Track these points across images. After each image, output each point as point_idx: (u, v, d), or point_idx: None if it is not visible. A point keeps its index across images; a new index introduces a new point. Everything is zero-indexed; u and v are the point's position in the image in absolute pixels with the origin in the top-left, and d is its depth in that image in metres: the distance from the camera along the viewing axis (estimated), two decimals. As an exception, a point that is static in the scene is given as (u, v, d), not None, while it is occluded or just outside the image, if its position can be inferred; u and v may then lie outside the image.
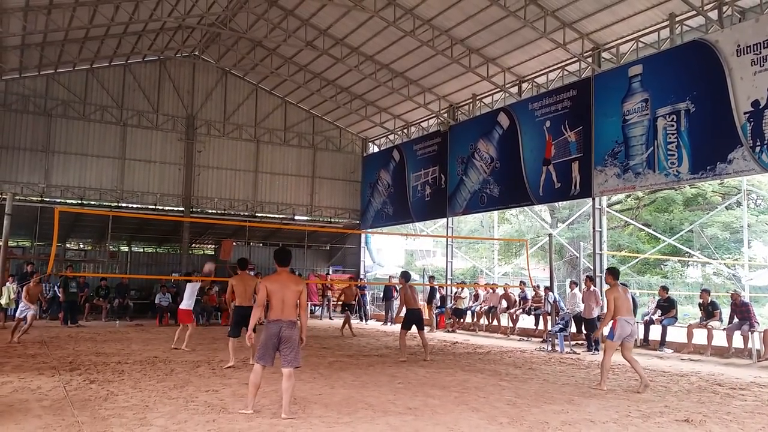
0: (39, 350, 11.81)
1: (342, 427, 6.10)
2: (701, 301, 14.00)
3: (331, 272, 26.53)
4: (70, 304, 17.95)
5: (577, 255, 19.05)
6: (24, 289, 14.19)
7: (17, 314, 13.88)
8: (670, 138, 14.12)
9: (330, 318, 23.51)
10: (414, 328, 11.76)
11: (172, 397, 7.38)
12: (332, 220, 26.81)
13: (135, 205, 23.12)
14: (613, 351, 8.90)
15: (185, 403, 7.05)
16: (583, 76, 16.87)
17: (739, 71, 12.70)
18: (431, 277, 21.38)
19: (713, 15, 13.73)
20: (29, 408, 6.67)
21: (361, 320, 22.31)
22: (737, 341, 12.82)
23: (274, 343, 6.45)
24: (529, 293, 17.68)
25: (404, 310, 12.14)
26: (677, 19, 14.52)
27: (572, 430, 6.18)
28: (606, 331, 9.29)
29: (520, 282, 18.88)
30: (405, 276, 12.25)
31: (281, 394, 6.59)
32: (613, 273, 9.23)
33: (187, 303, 12.67)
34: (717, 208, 24.19)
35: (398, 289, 20.79)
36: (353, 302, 19.30)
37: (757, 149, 12.32)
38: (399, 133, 25.27)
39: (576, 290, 14.84)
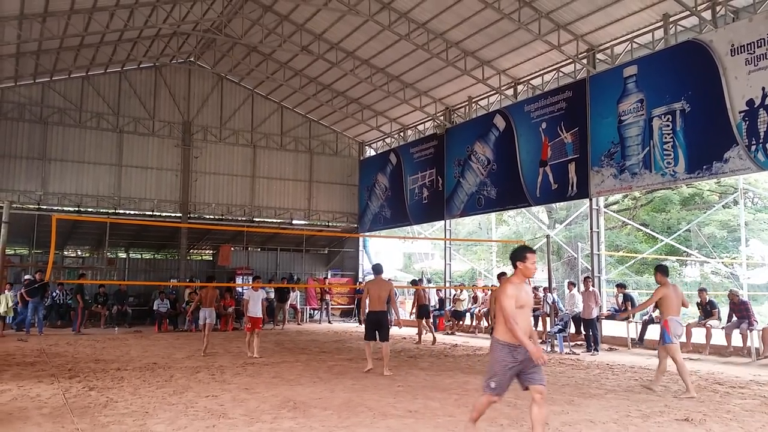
0: (38, 358, 11.79)
1: (342, 431, 6.10)
2: (699, 300, 14.03)
3: (329, 276, 26.52)
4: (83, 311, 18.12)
5: (575, 255, 19.04)
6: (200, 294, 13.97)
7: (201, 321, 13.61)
8: (665, 138, 14.15)
9: (329, 322, 23.50)
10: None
11: (172, 403, 7.38)
12: (330, 224, 26.79)
13: (132, 212, 23.07)
14: (679, 350, 8.60)
15: (185, 409, 7.05)
16: (578, 78, 16.90)
17: (733, 71, 12.73)
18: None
19: (707, 15, 13.77)
20: (29, 416, 6.65)
21: (360, 323, 22.28)
22: (736, 340, 12.84)
23: (516, 371, 5.33)
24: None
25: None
26: (671, 19, 14.56)
27: (572, 431, 6.18)
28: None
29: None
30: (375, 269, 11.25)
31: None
32: (662, 270, 8.89)
33: (254, 310, 12.71)
34: (714, 207, 24.24)
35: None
36: None
37: (753, 148, 12.35)
38: (396, 136, 25.29)
39: (574, 291, 14.85)
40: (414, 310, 18.20)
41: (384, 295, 10.51)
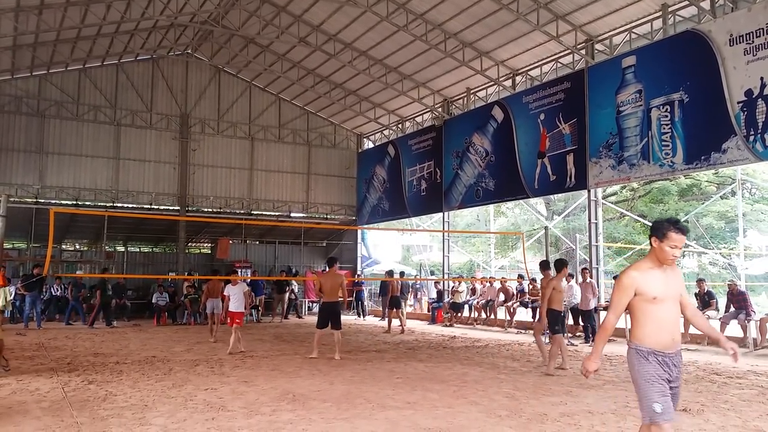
0: (36, 352, 11.79)
1: (341, 423, 6.11)
2: (697, 290, 14.06)
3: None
4: (105, 306, 18.06)
5: (574, 247, 19.08)
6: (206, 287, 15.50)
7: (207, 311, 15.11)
8: (664, 128, 14.13)
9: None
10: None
11: (171, 396, 7.38)
12: (328, 216, 26.78)
13: (130, 205, 23.04)
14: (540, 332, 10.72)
15: (184, 402, 7.05)
16: (576, 68, 16.86)
17: (732, 60, 12.70)
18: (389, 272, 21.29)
19: (706, 5, 13.72)
20: (28, 410, 6.66)
21: (359, 316, 22.34)
22: (734, 330, 12.87)
23: (667, 385, 3.97)
24: (527, 286, 17.72)
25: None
26: (670, 9, 14.51)
27: (571, 422, 6.20)
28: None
29: (518, 275, 18.92)
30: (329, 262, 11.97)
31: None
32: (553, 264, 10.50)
33: (236, 305, 12.16)
34: (712, 197, 24.26)
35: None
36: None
37: (751, 138, 12.34)
38: (394, 128, 25.24)
39: (572, 282, 14.86)
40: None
41: (336, 286, 11.39)
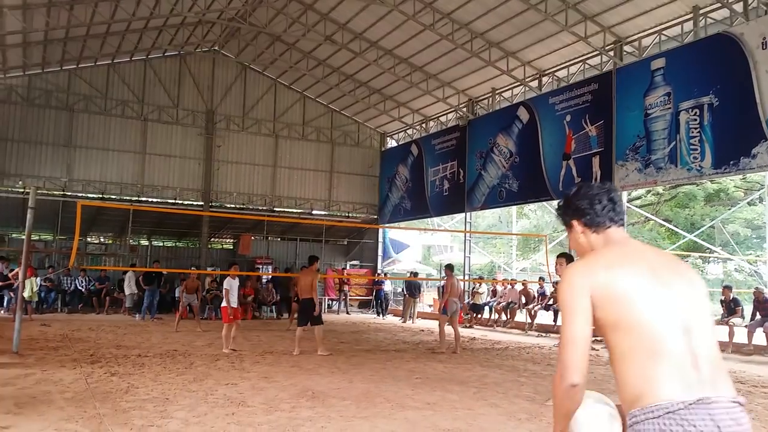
0: (61, 343, 11.96)
1: (360, 422, 6.11)
2: (723, 297, 13.84)
3: (348, 267, 26.55)
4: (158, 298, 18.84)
5: (597, 251, 18.87)
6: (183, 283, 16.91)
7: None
8: (692, 132, 13.92)
9: (347, 313, 23.56)
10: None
11: (192, 390, 7.44)
12: (350, 214, 26.80)
13: (155, 200, 23.28)
14: (445, 323, 12.47)
15: (205, 396, 7.10)
16: (604, 70, 16.66)
17: (764, 64, 12.45)
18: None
19: (738, 7, 13.48)
20: (52, 400, 6.75)
21: (379, 315, 22.34)
22: (759, 338, 12.65)
23: None
24: (548, 289, 17.58)
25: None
26: (701, 11, 14.28)
27: (592, 427, 6.11)
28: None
29: (540, 278, 18.78)
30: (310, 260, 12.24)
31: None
32: (450, 267, 13.14)
33: (235, 300, 11.88)
34: (739, 204, 23.86)
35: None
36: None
37: (783, 144, 12.09)
38: (417, 127, 25.19)
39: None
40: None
41: (308, 284, 11.46)
